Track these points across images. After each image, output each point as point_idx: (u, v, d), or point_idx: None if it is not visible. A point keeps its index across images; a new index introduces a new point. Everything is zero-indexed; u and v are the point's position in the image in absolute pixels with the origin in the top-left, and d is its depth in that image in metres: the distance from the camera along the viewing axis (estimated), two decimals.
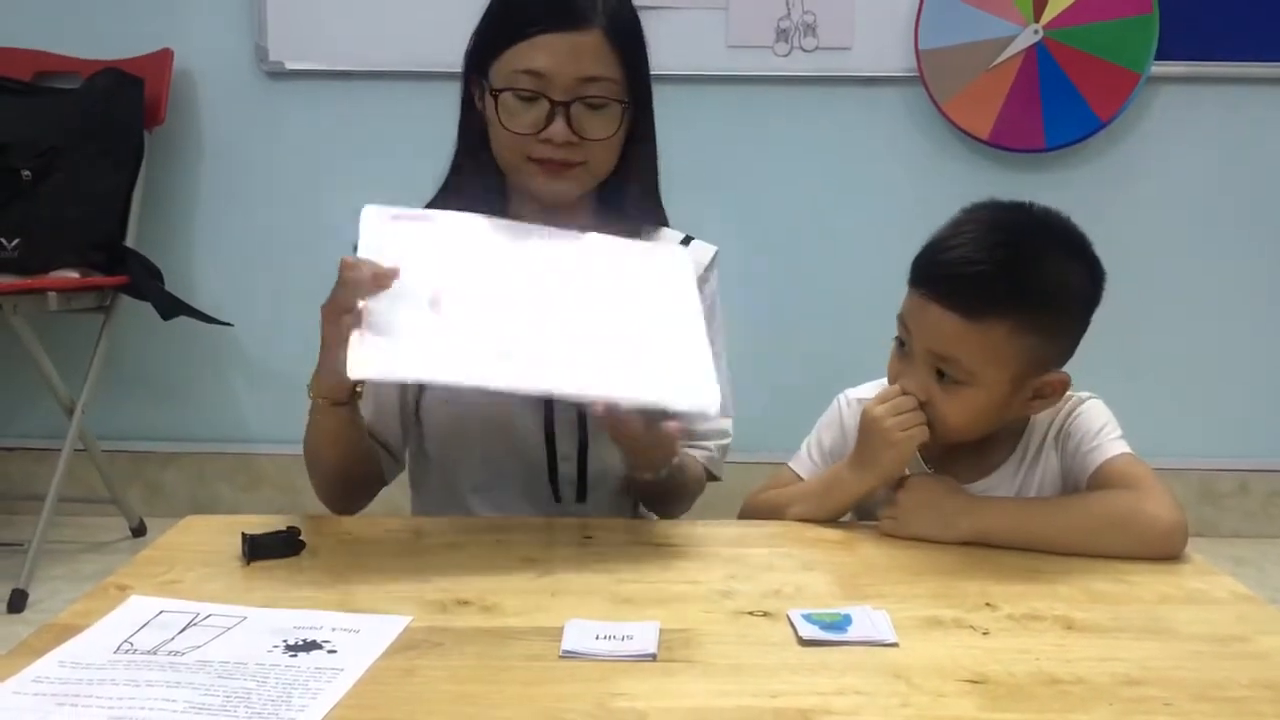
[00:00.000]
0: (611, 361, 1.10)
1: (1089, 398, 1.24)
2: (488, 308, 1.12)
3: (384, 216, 1.16)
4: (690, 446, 1.37)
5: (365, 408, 1.26)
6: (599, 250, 1.22)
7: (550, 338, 1.11)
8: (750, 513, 1.28)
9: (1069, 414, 1.22)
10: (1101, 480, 1.16)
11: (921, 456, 1.24)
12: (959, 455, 1.22)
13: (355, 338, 1.04)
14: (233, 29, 2.80)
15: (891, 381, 1.19)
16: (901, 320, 1.17)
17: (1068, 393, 1.23)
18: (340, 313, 1.07)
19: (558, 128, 1.23)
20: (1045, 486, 1.21)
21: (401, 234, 1.15)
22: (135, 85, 2.63)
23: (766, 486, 1.30)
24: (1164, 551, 1.08)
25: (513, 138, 1.25)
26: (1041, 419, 1.23)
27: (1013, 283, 1.10)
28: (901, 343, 1.18)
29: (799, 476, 1.29)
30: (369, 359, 1.04)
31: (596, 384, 1.08)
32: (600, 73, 1.24)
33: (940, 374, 1.14)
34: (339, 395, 1.20)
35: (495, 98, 1.24)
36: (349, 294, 1.07)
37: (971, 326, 1.10)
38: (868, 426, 1.15)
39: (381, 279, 1.07)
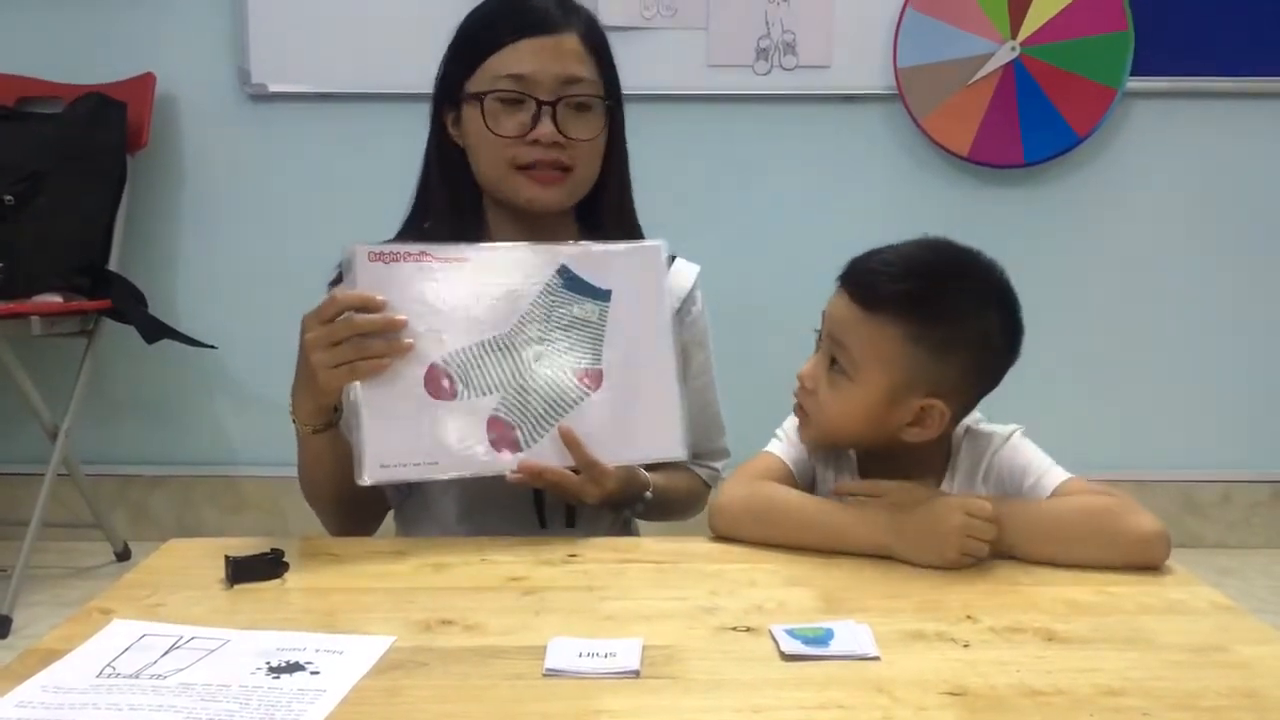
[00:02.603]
0: (586, 426, 1.19)
1: (1012, 432, 1.23)
2: (482, 371, 1.17)
3: (375, 258, 1.14)
4: (694, 465, 1.41)
5: (346, 430, 1.26)
6: (577, 264, 1.22)
7: (534, 405, 1.19)
8: (734, 510, 1.18)
9: (994, 451, 1.21)
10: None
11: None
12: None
13: (368, 437, 1.12)
14: (215, 52, 2.81)
15: (799, 375, 1.21)
16: (823, 315, 1.21)
17: (990, 428, 1.23)
18: (330, 343, 1.10)
19: (545, 128, 1.26)
20: None
21: (396, 277, 1.14)
22: (118, 109, 2.64)
23: (745, 474, 1.24)
24: (1146, 560, 1.08)
25: (499, 144, 1.26)
26: (964, 456, 1.22)
27: (913, 290, 1.13)
28: (820, 339, 1.22)
29: (783, 462, 1.25)
30: (381, 469, 1.13)
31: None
32: (581, 74, 1.28)
33: (833, 363, 1.17)
34: (321, 419, 1.21)
35: (481, 103, 1.26)
36: (344, 329, 1.10)
37: (866, 318, 1.14)
38: (949, 529, 1.07)
39: (390, 325, 1.12)
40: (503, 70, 1.26)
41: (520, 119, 1.26)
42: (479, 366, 1.17)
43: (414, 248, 1.16)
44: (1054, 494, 1.15)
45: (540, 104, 1.26)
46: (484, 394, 1.17)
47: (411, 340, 1.13)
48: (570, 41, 1.28)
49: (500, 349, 1.18)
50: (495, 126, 1.26)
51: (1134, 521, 1.09)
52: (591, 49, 1.30)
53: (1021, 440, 1.22)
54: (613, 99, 1.33)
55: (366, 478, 1.12)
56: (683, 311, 1.40)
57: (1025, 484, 1.18)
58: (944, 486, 1.21)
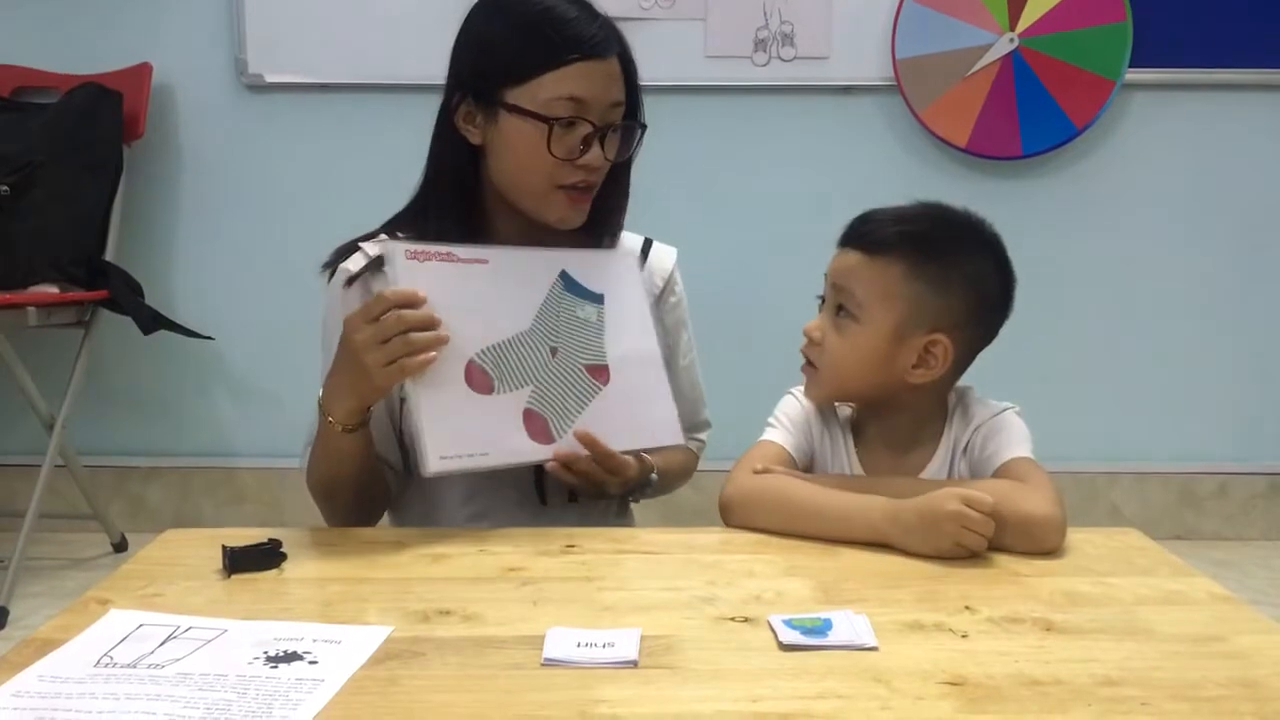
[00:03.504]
0: (600, 418, 1.26)
1: (1005, 409, 1.26)
2: (512, 366, 1.23)
3: (411, 256, 1.19)
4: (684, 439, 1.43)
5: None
6: (573, 269, 1.30)
7: (559, 398, 1.25)
8: (747, 501, 1.20)
9: (980, 425, 1.25)
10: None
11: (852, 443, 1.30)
12: (882, 459, 1.27)
13: (427, 431, 1.15)
14: (212, 42, 2.80)
15: (805, 330, 1.26)
16: (825, 276, 1.26)
17: (985, 402, 1.27)
18: (379, 342, 1.12)
19: (595, 153, 1.28)
20: None
21: (431, 275, 1.18)
22: (114, 99, 2.63)
23: (749, 464, 1.25)
24: (1034, 543, 1.10)
25: (548, 163, 1.26)
26: (957, 426, 1.26)
27: (909, 231, 1.21)
28: (823, 301, 1.26)
29: (783, 448, 1.28)
30: (440, 460, 1.15)
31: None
32: (621, 98, 1.30)
33: (838, 311, 1.22)
34: (359, 418, 1.22)
35: (550, 126, 1.25)
36: (394, 325, 1.12)
37: (869, 261, 1.21)
38: (943, 516, 1.07)
39: (433, 321, 1.14)
40: (562, 92, 1.25)
41: (570, 142, 1.26)
42: (509, 361, 1.22)
43: (441, 247, 1.21)
44: (995, 472, 1.19)
45: (595, 129, 1.27)
46: (517, 387, 1.22)
47: (448, 335, 1.16)
48: (615, 66, 1.28)
49: (524, 345, 1.24)
50: (554, 148, 1.26)
51: (1024, 505, 1.10)
52: (625, 71, 1.31)
53: (1008, 417, 1.25)
54: (640, 119, 1.34)
55: (431, 469, 1.15)
56: (666, 293, 1.44)
57: (985, 453, 1.22)
58: (938, 454, 1.25)
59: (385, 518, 1.41)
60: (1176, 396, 2.93)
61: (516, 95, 1.26)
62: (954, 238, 1.22)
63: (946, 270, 1.19)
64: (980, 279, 1.21)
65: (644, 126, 1.34)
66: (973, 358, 1.25)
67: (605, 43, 1.27)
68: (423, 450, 1.15)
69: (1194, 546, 2.79)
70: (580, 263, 1.31)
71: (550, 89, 1.25)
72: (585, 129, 1.26)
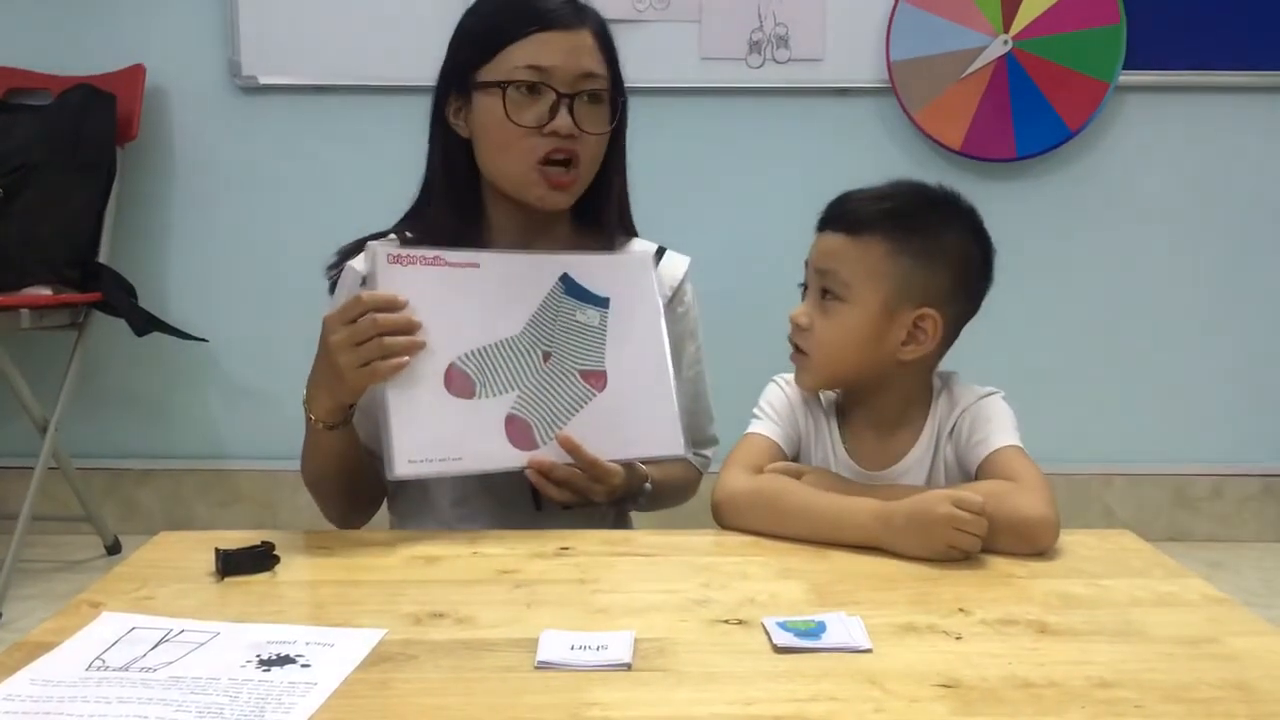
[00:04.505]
0: (593, 425, 1.24)
1: (990, 393, 1.26)
2: (497, 371, 1.21)
3: (394, 260, 1.18)
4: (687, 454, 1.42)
5: (359, 425, 1.27)
6: (576, 272, 1.28)
7: (547, 403, 1.23)
8: (739, 503, 1.19)
9: (965, 408, 1.25)
10: (985, 472, 1.19)
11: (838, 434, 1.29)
12: (867, 442, 1.27)
13: (396, 434, 1.14)
14: (206, 43, 2.80)
15: (791, 317, 1.25)
16: (806, 264, 1.26)
17: (970, 387, 1.27)
18: (354, 343, 1.12)
19: (563, 120, 1.27)
20: (943, 479, 1.24)
21: (414, 279, 1.18)
22: (107, 101, 2.63)
23: (740, 462, 1.25)
24: (1028, 543, 1.10)
25: (516, 134, 1.27)
26: (942, 409, 1.26)
27: (890, 208, 1.22)
28: (805, 288, 1.27)
29: (772, 440, 1.28)
30: (409, 464, 1.15)
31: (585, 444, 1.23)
32: (595, 69, 1.30)
33: (823, 295, 1.22)
34: (338, 416, 1.22)
35: (503, 92, 1.26)
36: (369, 328, 1.12)
37: (852, 241, 1.21)
38: (934, 518, 1.06)
39: (411, 325, 1.15)
40: (522, 61, 1.27)
41: (538, 110, 1.27)
42: (494, 366, 1.21)
43: (429, 251, 1.20)
44: (981, 465, 1.19)
45: (559, 96, 1.27)
46: (500, 392, 1.21)
47: (424, 340, 1.16)
48: (586, 38, 1.29)
49: (512, 350, 1.23)
50: (515, 116, 1.27)
51: (1018, 507, 1.10)
52: (602, 45, 1.31)
53: (995, 402, 1.25)
54: (622, 95, 1.34)
55: (396, 473, 1.14)
56: (674, 303, 1.42)
57: (973, 440, 1.22)
58: (923, 436, 1.25)
59: (385, 514, 1.41)
60: (1170, 398, 2.93)
61: (487, 72, 1.28)
62: (933, 211, 1.23)
63: (929, 243, 1.20)
64: (962, 249, 1.22)
65: (624, 99, 1.34)
66: (959, 331, 1.25)
67: (571, 15, 1.29)
68: (390, 453, 1.14)
69: (1188, 548, 2.79)
70: (585, 265, 1.29)
71: (513, 59, 1.27)
72: (550, 96, 1.27)
